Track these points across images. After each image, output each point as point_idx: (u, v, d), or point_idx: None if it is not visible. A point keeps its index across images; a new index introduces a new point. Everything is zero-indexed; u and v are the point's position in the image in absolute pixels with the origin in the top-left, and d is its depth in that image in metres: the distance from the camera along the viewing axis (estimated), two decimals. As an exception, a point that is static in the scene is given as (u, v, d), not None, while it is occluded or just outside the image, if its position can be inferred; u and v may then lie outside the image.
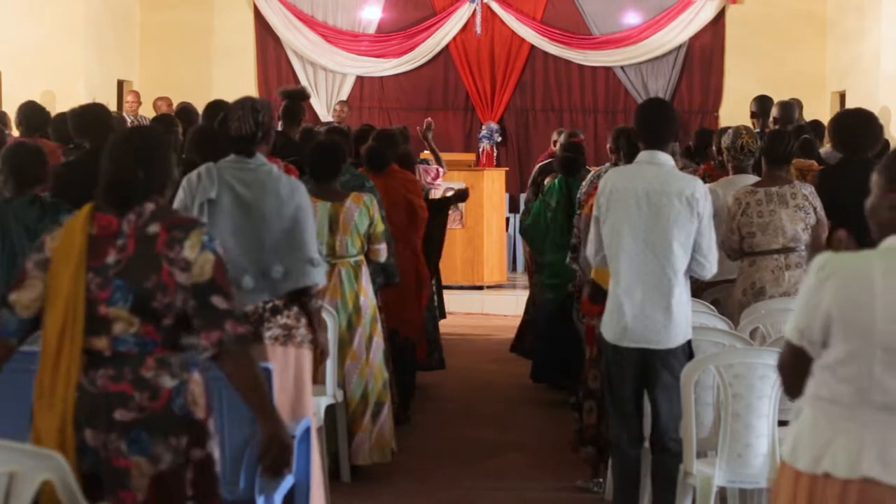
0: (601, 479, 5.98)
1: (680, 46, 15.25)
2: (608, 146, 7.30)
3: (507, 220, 12.90)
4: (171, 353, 3.18)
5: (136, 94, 13.33)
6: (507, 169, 13.90)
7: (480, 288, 12.59)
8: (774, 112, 8.53)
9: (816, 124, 8.86)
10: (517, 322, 10.52)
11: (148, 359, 3.15)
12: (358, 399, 6.14)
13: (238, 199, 4.59)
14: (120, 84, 14.46)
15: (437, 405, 8.11)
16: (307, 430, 4.55)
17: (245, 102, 4.70)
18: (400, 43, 15.46)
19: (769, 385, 4.46)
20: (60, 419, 3.10)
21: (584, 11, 15.29)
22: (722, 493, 4.81)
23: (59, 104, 12.27)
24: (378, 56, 15.50)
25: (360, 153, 7.30)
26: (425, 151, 10.54)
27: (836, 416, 2.69)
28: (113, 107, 12.45)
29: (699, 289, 5.95)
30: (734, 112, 13.24)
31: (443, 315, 9.34)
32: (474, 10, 15.26)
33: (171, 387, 3.15)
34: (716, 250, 4.95)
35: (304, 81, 15.50)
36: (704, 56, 15.32)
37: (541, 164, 9.95)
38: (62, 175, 5.58)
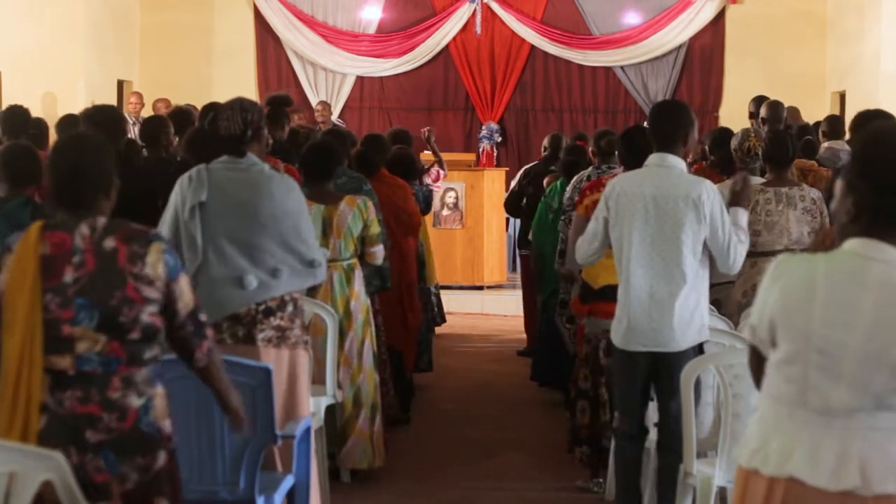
0: (601, 479, 5.98)
1: (680, 46, 15.26)
2: (591, 149, 7.31)
3: (507, 220, 12.90)
4: (136, 370, 3.18)
5: (139, 96, 13.33)
6: (507, 169, 13.89)
7: (480, 288, 12.60)
8: (763, 113, 8.52)
9: (818, 125, 8.85)
10: (517, 322, 10.55)
11: (113, 378, 3.15)
12: (351, 403, 6.13)
13: (230, 200, 4.57)
14: (120, 84, 14.46)
15: (436, 405, 8.11)
16: (307, 431, 4.55)
17: (234, 103, 4.70)
18: (400, 43, 15.47)
19: (769, 385, 4.46)
20: (20, 441, 3.08)
21: (585, 11, 15.30)
22: (722, 494, 4.80)
23: (59, 105, 12.30)
24: (378, 56, 15.51)
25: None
26: (426, 152, 10.55)
27: (779, 415, 2.72)
28: (113, 107, 12.42)
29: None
30: (734, 112, 13.25)
31: (442, 319, 9.36)
32: (474, 10, 15.27)
33: (137, 406, 3.18)
34: (738, 244, 4.89)
35: (304, 82, 15.51)
36: (704, 56, 15.33)
37: (525, 168, 9.96)
38: None
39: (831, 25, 14.69)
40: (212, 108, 6.26)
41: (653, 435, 5.00)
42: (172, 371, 3.96)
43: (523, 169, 9.93)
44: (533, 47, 15.42)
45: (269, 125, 7.83)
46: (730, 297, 5.97)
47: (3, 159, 5.22)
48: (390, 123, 14.02)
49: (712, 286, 6.12)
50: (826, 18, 14.77)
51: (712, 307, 5.78)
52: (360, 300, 6.15)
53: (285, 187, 4.63)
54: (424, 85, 15.65)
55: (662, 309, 4.80)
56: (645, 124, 5.78)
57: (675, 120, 4.92)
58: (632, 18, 15.32)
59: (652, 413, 5.01)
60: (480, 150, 15.23)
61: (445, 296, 11.94)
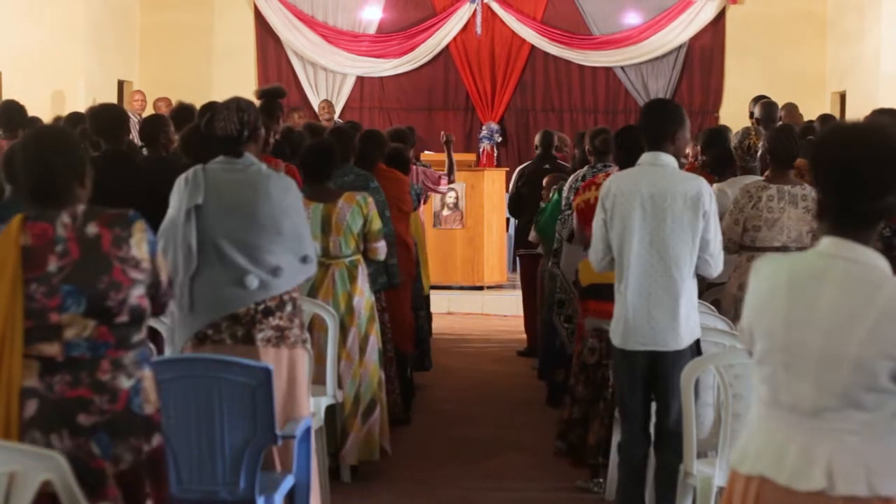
0: (601, 480, 5.98)
1: (680, 47, 15.27)
2: (586, 148, 7.31)
3: (507, 220, 12.90)
4: (123, 353, 3.22)
5: (143, 94, 13.33)
6: (508, 169, 13.87)
7: (480, 288, 12.60)
8: (757, 112, 8.52)
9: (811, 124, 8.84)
10: (517, 322, 10.55)
11: (102, 362, 3.18)
12: (351, 400, 6.14)
13: (228, 200, 4.57)
14: (120, 84, 14.46)
15: (436, 405, 8.11)
16: (307, 430, 4.55)
17: (230, 103, 4.71)
18: (400, 43, 15.47)
19: (769, 385, 4.46)
20: (3, 428, 3.10)
21: (585, 12, 15.30)
22: (722, 494, 4.80)
23: (59, 105, 12.30)
24: (378, 56, 15.51)
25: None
26: (426, 152, 10.55)
27: (759, 415, 2.74)
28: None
29: (700, 289, 5.94)
30: (734, 112, 13.25)
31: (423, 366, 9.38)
32: (475, 11, 15.27)
33: (128, 387, 3.21)
34: (721, 248, 4.95)
35: (304, 82, 15.52)
36: (705, 56, 15.33)
37: (520, 168, 9.98)
38: None
39: (831, 25, 14.69)
40: (210, 107, 6.27)
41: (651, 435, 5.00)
42: (172, 371, 3.98)
43: (518, 169, 9.95)
44: (533, 47, 15.43)
45: (263, 118, 7.87)
46: (725, 290, 5.96)
47: (6, 160, 5.22)
48: (390, 123, 14.02)
49: (713, 286, 6.15)
50: (826, 18, 14.77)
51: (712, 307, 5.79)
52: (365, 296, 6.16)
53: (283, 186, 4.63)
54: (425, 85, 15.66)
55: (661, 307, 4.80)
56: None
57: (663, 118, 4.92)
58: (632, 19, 15.33)
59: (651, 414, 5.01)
60: (481, 150, 15.24)
61: (445, 296, 11.99)
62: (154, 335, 4.98)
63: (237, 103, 4.70)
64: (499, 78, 15.47)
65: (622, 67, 15.39)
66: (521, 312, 10.13)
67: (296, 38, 15.44)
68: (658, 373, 4.85)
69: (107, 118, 6.26)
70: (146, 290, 3.26)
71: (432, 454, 6.85)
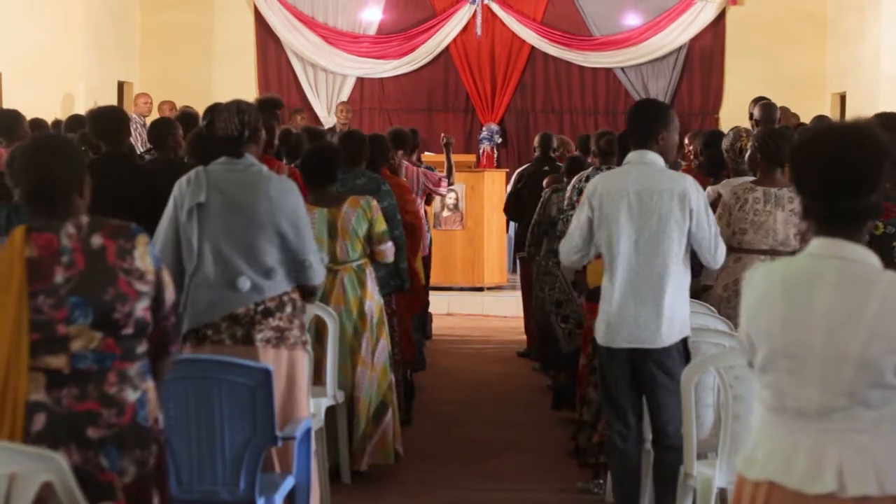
0: (602, 481, 5.98)
1: (680, 48, 15.27)
2: (592, 149, 7.33)
3: (507, 221, 12.90)
4: (129, 366, 3.21)
5: (149, 97, 13.27)
6: (508, 170, 13.88)
7: (481, 289, 12.60)
8: (756, 114, 8.52)
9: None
10: (517, 323, 10.55)
11: (109, 374, 3.17)
12: (368, 405, 6.15)
13: (228, 200, 4.59)
14: (120, 85, 14.46)
15: (437, 407, 8.11)
16: (307, 432, 4.55)
17: (231, 105, 4.74)
18: (400, 44, 15.47)
19: (769, 386, 4.45)
20: (9, 440, 3.09)
21: (585, 13, 15.30)
22: (722, 495, 4.80)
23: (59, 106, 12.29)
24: (378, 57, 15.51)
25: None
26: (426, 153, 10.55)
27: (764, 421, 2.74)
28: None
29: (700, 290, 5.94)
30: (734, 113, 13.25)
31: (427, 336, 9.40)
32: (475, 12, 15.27)
33: (134, 400, 3.20)
34: (720, 240, 4.95)
35: (304, 83, 15.52)
36: (705, 57, 15.33)
37: (519, 170, 9.98)
38: None
39: (831, 26, 14.69)
40: (213, 109, 6.29)
41: (649, 435, 5.01)
42: (172, 372, 3.97)
43: (517, 171, 9.96)
44: (533, 48, 15.43)
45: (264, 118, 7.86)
46: (711, 291, 5.96)
47: (10, 165, 5.21)
48: (390, 125, 14.01)
49: (706, 288, 6.15)
50: (826, 19, 14.77)
51: (712, 308, 5.79)
52: (374, 300, 6.17)
53: (283, 188, 4.64)
54: (425, 86, 15.66)
55: (646, 305, 4.82)
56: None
57: (647, 118, 4.96)
58: (632, 20, 15.33)
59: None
60: (481, 151, 15.24)
61: (446, 297, 11.99)
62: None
63: (237, 105, 4.73)
64: (499, 79, 15.47)
65: (622, 68, 15.40)
66: (520, 313, 10.13)
67: (296, 39, 15.44)
68: (644, 370, 4.86)
69: (106, 120, 6.26)
70: (150, 303, 3.23)
71: (432, 455, 6.85)
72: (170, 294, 3.31)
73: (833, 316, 2.60)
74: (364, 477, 6.23)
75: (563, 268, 7.33)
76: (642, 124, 4.96)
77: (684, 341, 4.90)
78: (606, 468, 5.85)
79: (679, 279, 4.88)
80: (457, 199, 12.47)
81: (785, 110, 9.60)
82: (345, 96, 15.37)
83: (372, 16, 15.49)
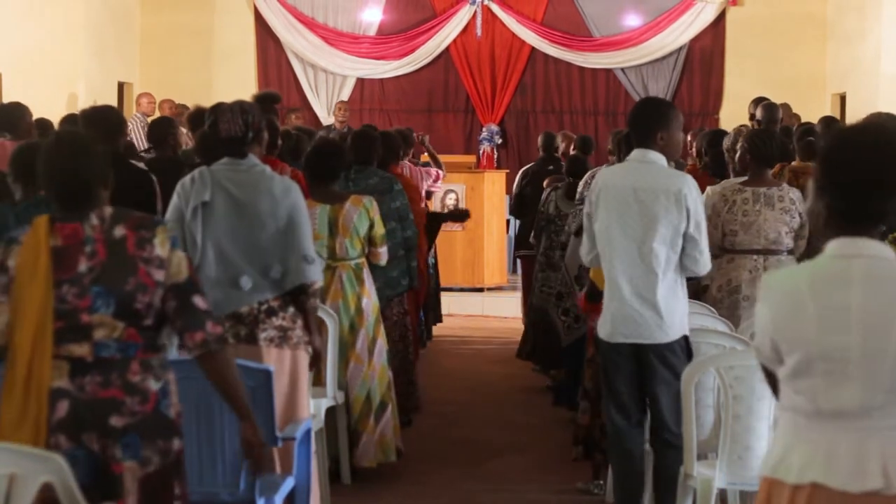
0: (602, 482, 5.97)
1: (680, 48, 15.27)
2: (608, 148, 7.36)
3: (508, 222, 12.91)
4: (151, 356, 3.24)
5: (152, 97, 13.25)
6: (508, 171, 13.90)
7: (481, 290, 12.60)
8: (758, 114, 8.52)
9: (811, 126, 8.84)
10: (517, 324, 10.55)
11: (132, 363, 3.20)
12: (363, 401, 6.15)
13: (232, 200, 4.62)
14: (120, 85, 14.46)
15: (437, 407, 8.10)
16: (307, 432, 4.55)
17: (234, 105, 4.77)
18: (400, 45, 15.47)
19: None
20: (34, 429, 3.12)
21: (585, 13, 15.30)
22: (722, 495, 4.80)
23: (59, 106, 12.29)
24: (378, 58, 15.51)
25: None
26: (425, 154, 10.58)
27: (797, 426, 2.72)
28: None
29: (700, 290, 5.94)
30: (735, 114, 13.25)
31: (438, 319, 9.40)
32: (475, 12, 15.27)
33: (156, 389, 3.23)
34: (706, 247, 4.96)
35: (304, 83, 15.53)
36: (705, 58, 15.33)
37: (523, 169, 10.00)
38: None
39: (831, 27, 14.69)
40: (216, 110, 6.31)
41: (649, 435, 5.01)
42: (173, 372, 3.97)
43: (522, 170, 9.98)
44: (533, 49, 15.43)
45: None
46: (706, 292, 5.95)
47: (16, 161, 5.22)
48: (391, 125, 14.00)
49: (705, 289, 6.15)
50: (826, 20, 14.77)
51: (712, 309, 5.79)
52: (372, 298, 6.18)
53: (284, 188, 4.67)
54: (425, 87, 15.66)
55: (645, 301, 4.83)
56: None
57: (647, 117, 4.97)
58: (632, 20, 15.33)
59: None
60: (481, 151, 15.24)
61: (446, 297, 11.98)
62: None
63: (241, 105, 4.77)
64: (499, 79, 15.47)
65: (622, 69, 15.40)
66: (521, 314, 10.13)
67: (296, 40, 15.44)
68: (645, 366, 4.88)
69: (99, 120, 6.26)
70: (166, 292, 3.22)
71: (433, 455, 6.85)
72: (181, 274, 3.22)
73: (868, 314, 2.61)
74: (364, 477, 6.23)
75: (566, 260, 7.34)
76: (642, 124, 4.97)
77: (686, 339, 4.90)
78: (607, 467, 5.86)
79: (674, 277, 4.89)
80: (457, 199, 12.46)
81: (787, 108, 9.60)
82: (345, 97, 15.37)
83: (372, 16, 15.50)
